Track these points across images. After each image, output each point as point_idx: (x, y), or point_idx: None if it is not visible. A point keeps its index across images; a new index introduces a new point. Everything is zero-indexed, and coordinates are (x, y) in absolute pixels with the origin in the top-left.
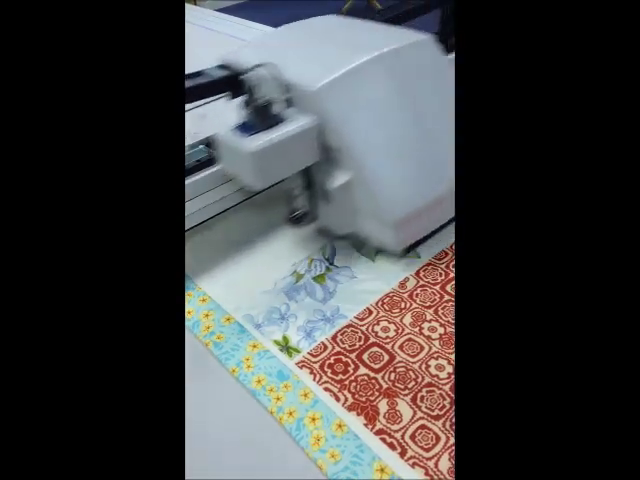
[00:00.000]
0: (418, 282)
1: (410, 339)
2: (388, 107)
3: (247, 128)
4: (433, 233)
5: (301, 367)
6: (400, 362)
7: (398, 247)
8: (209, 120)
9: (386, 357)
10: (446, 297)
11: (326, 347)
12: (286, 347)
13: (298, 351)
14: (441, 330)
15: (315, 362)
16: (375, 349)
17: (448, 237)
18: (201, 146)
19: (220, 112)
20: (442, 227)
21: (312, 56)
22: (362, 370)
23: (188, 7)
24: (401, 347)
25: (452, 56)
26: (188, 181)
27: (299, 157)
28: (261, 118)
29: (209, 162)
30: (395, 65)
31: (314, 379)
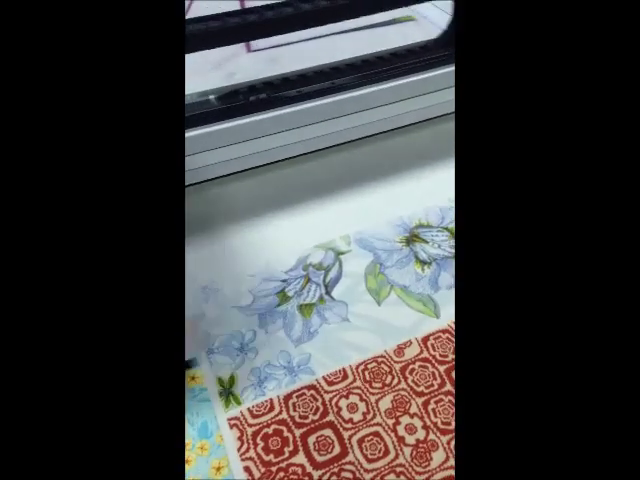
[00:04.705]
0: (421, 352)
1: (377, 434)
2: None
3: None
4: None
5: (232, 426)
6: (349, 463)
7: None
8: (280, 64)
9: (336, 449)
10: (447, 386)
11: (272, 407)
12: (228, 392)
13: (239, 402)
14: (421, 434)
15: (251, 425)
16: (328, 432)
17: None
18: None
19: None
20: None
21: None
22: (299, 458)
23: None
24: (360, 442)
25: None
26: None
27: None
28: None
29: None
30: None
31: (239, 448)
